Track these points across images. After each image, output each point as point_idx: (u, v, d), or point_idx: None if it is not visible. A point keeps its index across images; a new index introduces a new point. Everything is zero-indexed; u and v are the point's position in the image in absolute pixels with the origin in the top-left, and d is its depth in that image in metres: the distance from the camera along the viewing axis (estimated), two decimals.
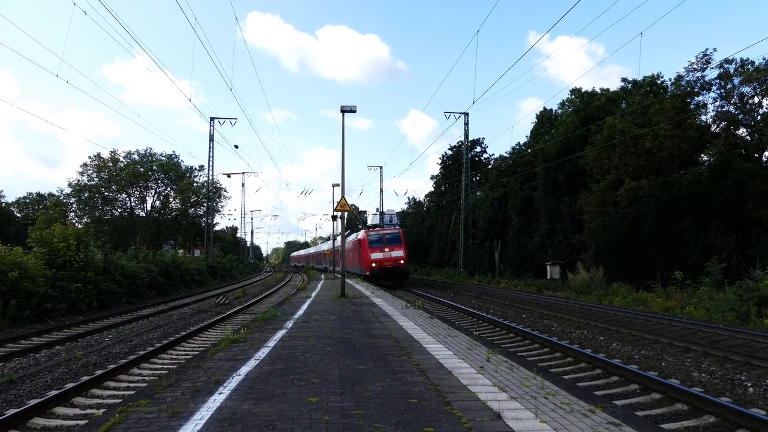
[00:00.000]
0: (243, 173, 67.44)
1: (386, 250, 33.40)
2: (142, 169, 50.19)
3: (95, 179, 48.61)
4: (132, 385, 9.14)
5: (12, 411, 7.24)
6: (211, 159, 47.44)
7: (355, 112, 20.89)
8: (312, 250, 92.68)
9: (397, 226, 39.91)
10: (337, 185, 38.41)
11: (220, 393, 6.14)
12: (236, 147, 56.85)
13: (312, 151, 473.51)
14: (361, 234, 37.77)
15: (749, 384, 8.69)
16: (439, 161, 62.59)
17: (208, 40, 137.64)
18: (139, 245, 36.39)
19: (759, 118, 26.79)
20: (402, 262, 33.42)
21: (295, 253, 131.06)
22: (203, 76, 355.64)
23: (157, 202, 53.01)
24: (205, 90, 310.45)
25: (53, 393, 8.23)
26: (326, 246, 64.18)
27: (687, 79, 28.70)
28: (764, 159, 27.03)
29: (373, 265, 33.35)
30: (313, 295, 23.30)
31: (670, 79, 31.95)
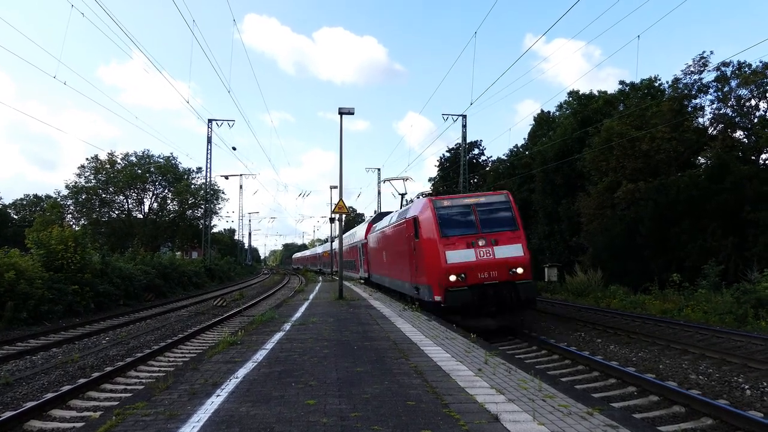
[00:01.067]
0: (241, 175, 67.17)
1: (481, 242, 14.44)
2: (139, 171, 50.11)
3: (92, 181, 48.51)
4: (129, 387, 9.12)
5: (8, 414, 7.22)
6: (208, 161, 47.25)
7: (353, 114, 20.88)
8: (319, 249, 77.92)
9: (500, 192, 16.39)
10: (335, 187, 35.71)
11: (218, 395, 6.12)
12: (234, 149, 57.00)
13: (309, 153, 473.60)
14: (416, 208, 16.80)
15: (747, 386, 8.70)
16: (437, 163, 62.56)
17: (206, 42, 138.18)
18: (136, 247, 36.33)
19: (756, 120, 26.88)
20: (521, 270, 14.34)
21: (298, 254, 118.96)
22: (201, 77, 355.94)
23: (155, 204, 52.93)
24: (203, 92, 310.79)
25: (50, 395, 8.21)
26: (345, 243, 44.70)
27: (684, 81, 28.80)
28: (761, 161, 27.14)
29: (453, 279, 14.12)
30: (311, 297, 23.27)
31: (667, 82, 32.04)
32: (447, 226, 14.67)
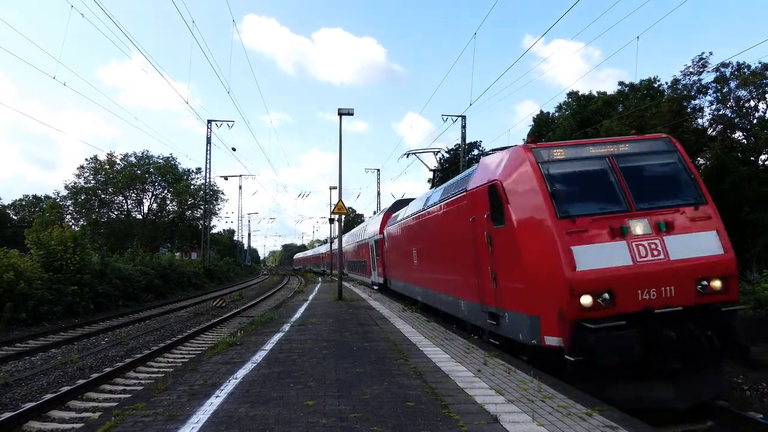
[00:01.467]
0: (240, 176, 66.94)
1: (639, 228, 7.40)
2: (138, 172, 50.10)
3: (92, 182, 48.50)
4: (128, 388, 9.11)
5: (7, 414, 7.20)
6: (208, 161, 47.24)
7: (352, 114, 20.88)
8: (321, 249, 66.22)
9: (655, 136, 8.82)
10: (335, 188, 35.43)
11: (217, 396, 6.12)
12: (234, 149, 56.94)
13: (308, 153, 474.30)
14: (494, 167, 9.00)
15: (746, 387, 8.71)
16: (436, 165, 62.60)
17: (206, 43, 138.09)
18: (136, 248, 36.31)
19: (755, 121, 26.91)
20: (719, 285, 7.21)
21: (299, 255, 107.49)
22: (200, 79, 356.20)
23: (154, 205, 52.91)
24: (202, 93, 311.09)
25: (49, 396, 8.20)
26: (351, 240, 36.14)
27: (683, 82, 28.83)
28: (760, 162, 27.16)
29: (587, 302, 6.93)
30: (310, 298, 23.26)
31: (666, 83, 32.09)
32: (568, 198, 7.77)
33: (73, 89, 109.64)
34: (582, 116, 36.18)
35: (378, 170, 59.25)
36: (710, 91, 28.10)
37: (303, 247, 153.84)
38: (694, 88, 28.39)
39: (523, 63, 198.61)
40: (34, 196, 75.96)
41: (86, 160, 50.90)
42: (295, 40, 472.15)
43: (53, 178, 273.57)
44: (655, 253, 7.23)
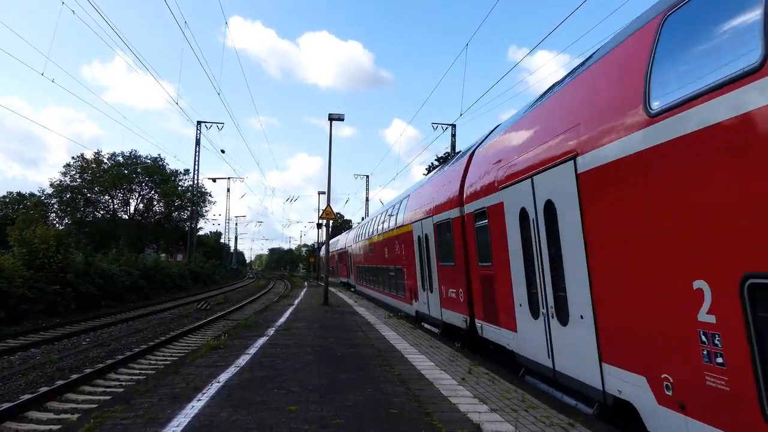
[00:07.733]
0: (228, 178, 66.71)
1: None
2: (126, 172, 49.70)
3: (78, 180, 47.99)
4: (108, 390, 8.99)
5: None
6: (196, 163, 46.99)
7: (342, 120, 20.89)
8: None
9: None
10: (323, 193, 35.60)
11: (199, 400, 6.06)
12: (222, 152, 56.83)
13: (295, 157, 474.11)
14: None
15: None
16: (426, 171, 62.91)
17: (198, 44, 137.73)
18: (121, 248, 35.94)
19: None
20: None
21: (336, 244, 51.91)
22: (186, 82, 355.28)
23: (141, 205, 52.47)
24: (189, 96, 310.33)
25: (26, 397, 8.06)
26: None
27: None
28: None
29: None
30: (296, 302, 23.16)
31: None
32: None
33: (62, 86, 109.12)
34: None
35: (367, 176, 59.33)
36: None
37: (290, 252, 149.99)
38: None
39: (510, 73, 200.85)
40: (18, 194, 74.86)
41: (73, 158, 50.49)
42: (281, 43, 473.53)
43: (36, 176, 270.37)
44: None
